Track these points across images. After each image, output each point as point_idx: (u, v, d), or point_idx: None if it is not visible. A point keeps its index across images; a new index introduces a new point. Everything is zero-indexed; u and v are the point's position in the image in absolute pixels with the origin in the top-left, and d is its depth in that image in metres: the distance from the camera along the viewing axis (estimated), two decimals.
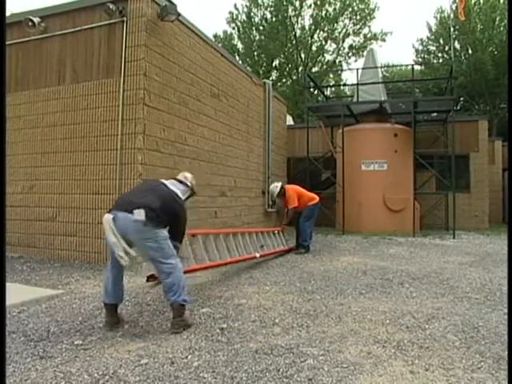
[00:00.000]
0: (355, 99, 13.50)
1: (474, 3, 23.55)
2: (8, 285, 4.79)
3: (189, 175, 4.11)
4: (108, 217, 3.36)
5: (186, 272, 4.11)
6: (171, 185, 3.81)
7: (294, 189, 8.27)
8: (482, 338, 3.31)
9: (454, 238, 10.77)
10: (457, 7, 16.26)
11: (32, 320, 3.74)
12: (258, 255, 6.68)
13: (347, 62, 29.85)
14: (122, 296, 3.70)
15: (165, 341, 3.25)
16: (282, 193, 8.16)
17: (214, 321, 3.75)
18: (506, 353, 2.47)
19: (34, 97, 7.17)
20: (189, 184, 3.98)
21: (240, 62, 25.12)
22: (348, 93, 27.45)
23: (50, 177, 6.95)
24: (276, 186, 8.19)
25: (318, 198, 8.33)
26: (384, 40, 29.12)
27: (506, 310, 3.94)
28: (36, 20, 6.86)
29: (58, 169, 6.89)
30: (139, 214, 3.31)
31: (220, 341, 3.26)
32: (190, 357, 2.95)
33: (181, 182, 3.94)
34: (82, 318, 3.79)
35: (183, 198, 3.84)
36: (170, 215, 3.54)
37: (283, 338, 3.33)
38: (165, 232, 3.50)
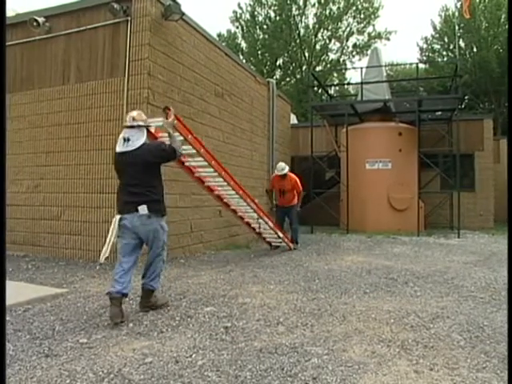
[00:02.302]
0: (359, 98, 13.48)
1: (479, 1, 23.40)
2: (13, 283, 4.83)
3: (135, 113, 3.92)
4: (117, 217, 3.85)
5: None
6: (127, 144, 3.78)
7: None
8: (487, 338, 3.30)
9: (458, 237, 10.72)
10: (461, 5, 16.18)
11: (37, 318, 3.76)
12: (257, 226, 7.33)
13: (351, 61, 29.75)
14: (129, 289, 3.83)
15: (169, 339, 3.26)
16: (285, 174, 8.28)
17: (218, 320, 3.75)
18: (507, 353, 2.47)
19: (38, 96, 7.20)
20: (140, 123, 3.86)
21: (244, 61, 25.08)
22: (352, 92, 27.29)
23: (55, 176, 6.97)
24: (285, 167, 8.32)
25: None
26: (388, 39, 28.99)
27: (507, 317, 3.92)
28: (41, 20, 6.89)
29: (63, 168, 6.92)
30: (143, 210, 3.76)
31: (224, 340, 3.26)
32: (194, 355, 2.95)
33: (132, 127, 3.82)
34: (87, 317, 3.81)
35: (143, 141, 3.82)
36: (154, 169, 3.89)
37: (287, 336, 3.32)
38: (165, 225, 4.00)
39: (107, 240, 3.79)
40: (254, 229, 7.61)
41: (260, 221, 7.21)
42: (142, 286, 4.01)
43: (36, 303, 4.20)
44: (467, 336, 3.34)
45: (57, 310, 4.01)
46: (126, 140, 3.79)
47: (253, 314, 3.93)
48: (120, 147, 3.83)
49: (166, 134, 4.26)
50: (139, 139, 3.80)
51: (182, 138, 4.89)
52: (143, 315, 3.86)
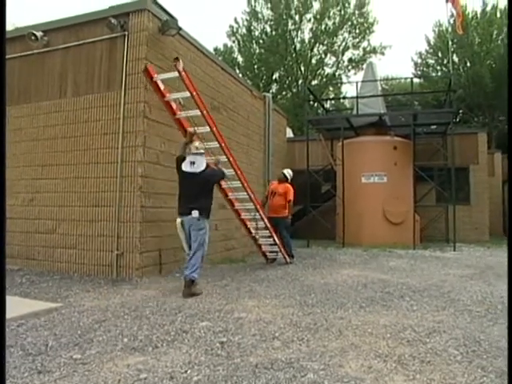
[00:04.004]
0: (355, 112, 13.58)
1: (472, 18, 23.81)
2: (7, 298, 4.77)
3: (197, 144, 5.54)
4: (178, 220, 5.38)
5: None
6: (194, 166, 5.36)
7: None
8: (483, 352, 3.29)
9: (454, 250, 10.74)
10: (455, 21, 16.45)
11: (30, 334, 3.72)
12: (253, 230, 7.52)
13: (347, 75, 30.01)
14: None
15: (164, 355, 3.23)
16: (284, 179, 8.46)
17: (213, 335, 3.72)
18: (507, 363, 2.44)
19: (35, 109, 7.22)
20: (201, 151, 5.50)
21: (240, 75, 25.28)
22: (348, 106, 27.58)
23: (51, 189, 6.96)
24: (290, 171, 8.71)
25: None
26: (383, 53, 29.33)
27: (507, 324, 3.91)
28: (39, 34, 6.94)
29: (59, 181, 6.91)
30: (195, 213, 5.25)
31: (220, 355, 3.24)
32: (189, 371, 2.92)
33: (196, 154, 5.42)
34: (81, 332, 3.77)
35: (205, 165, 5.42)
36: (210, 187, 5.56)
37: (283, 352, 3.30)
38: (207, 226, 5.44)
39: (181, 239, 5.41)
40: (250, 231, 7.54)
41: (257, 217, 7.19)
42: (184, 277, 5.22)
43: (30, 318, 4.16)
44: (464, 351, 3.33)
45: (50, 325, 3.97)
46: (193, 163, 5.37)
47: (248, 328, 3.90)
48: (187, 168, 5.41)
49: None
50: (202, 163, 5.40)
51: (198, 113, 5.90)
52: (138, 330, 3.83)
